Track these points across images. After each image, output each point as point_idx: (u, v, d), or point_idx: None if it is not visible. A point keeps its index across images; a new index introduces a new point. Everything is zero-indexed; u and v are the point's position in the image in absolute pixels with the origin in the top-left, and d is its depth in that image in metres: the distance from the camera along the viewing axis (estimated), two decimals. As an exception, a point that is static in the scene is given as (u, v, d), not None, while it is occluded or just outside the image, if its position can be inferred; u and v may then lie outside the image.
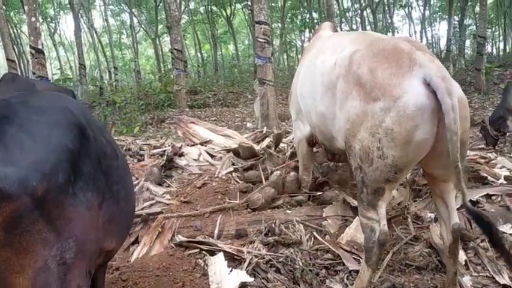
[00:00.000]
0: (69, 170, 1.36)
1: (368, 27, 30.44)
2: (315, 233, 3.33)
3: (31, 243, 1.21)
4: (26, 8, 9.57)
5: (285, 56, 31.21)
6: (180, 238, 3.27)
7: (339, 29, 26.51)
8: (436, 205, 2.69)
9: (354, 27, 31.08)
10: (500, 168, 4.29)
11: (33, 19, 9.03)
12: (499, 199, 3.56)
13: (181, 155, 4.83)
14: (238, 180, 4.32)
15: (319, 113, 2.94)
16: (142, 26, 33.64)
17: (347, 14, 29.25)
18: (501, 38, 32.98)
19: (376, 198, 2.41)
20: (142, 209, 3.86)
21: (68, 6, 20.34)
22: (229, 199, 3.87)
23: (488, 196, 3.63)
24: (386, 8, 29.75)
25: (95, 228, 1.52)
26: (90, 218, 1.46)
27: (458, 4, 25.26)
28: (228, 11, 30.07)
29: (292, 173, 3.96)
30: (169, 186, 4.34)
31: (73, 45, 30.17)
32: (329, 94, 2.73)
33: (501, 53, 30.03)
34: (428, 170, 2.58)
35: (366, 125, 2.31)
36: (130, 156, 5.02)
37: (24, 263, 1.19)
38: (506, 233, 3.22)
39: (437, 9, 34.25)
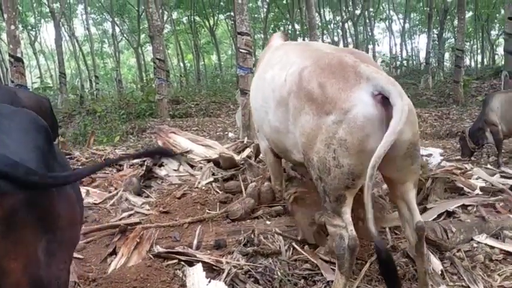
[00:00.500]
0: (47, 169, 1.48)
1: (349, 39, 30.86)
2: (293, 244, 3.33)
3: (26, 234, 1.34)
4: (5, 16, 9.46)
5: (267, 67, 31.29)
6: (158, 249, 3.24)
7: (320, 40, 26.84)
8: (398, 208, 2.74)
9: (336, 39, 31.49)
10: (476, 179, 4.37)
11: (12, 27, 8.93)
12: (475, 209, 3.62)
13: (161, 165, 4.80)
14: (218, 190, 4.31)
15: (273, 127, 3.02)
16: (125, 35, 33.52)
17: (329, 26, 29.58)
18: (479, 51, 33.74)
19: (339, 205, 2.49)
20: (120, 219, 3.82)
21: (49, 14, 20.15)
22: (209, 209, 3.86)
23: (464, 207, 3.69)
24: (367, 21, 30.17)
25: (77, 220, 1.68)
26: (71, 211, 1.59)
27: (438, 18, 25.81)
28: (211, 22, 30.21)
29: (266, 183, 3.98)
30: (148, 196, 4.31)
31: (54, 54, 29.91)
32: (281, 110, 2.82)
33: (479, 65, 30.68)
34: (386, 174, 2.66)
35: (320, 138, 2.41)
36: (110, 166, 4.98)
37: (19, 251, 1.33)
38: (481, 243, 3.26)
39: (417, 22, 34.92)
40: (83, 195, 4.25)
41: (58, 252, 1.48)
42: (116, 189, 4.41)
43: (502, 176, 4.58)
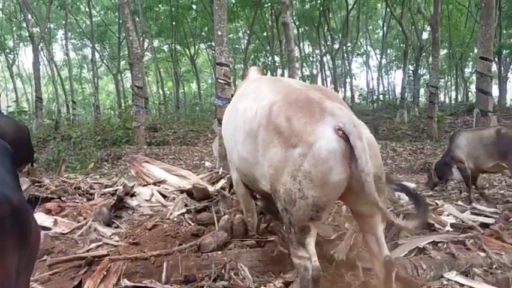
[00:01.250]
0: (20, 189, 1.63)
1: (328, 73, 31.43)
2: (266, 277, 3.27)
3: (9, 245, 1.40)
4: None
5: (246, 97, 31.49)
6: (125, 282, 3.15)
7: (300, 72, 27.25)
8: (366, 242, 2.77)
9: (315, 71, 32.03)
10: (447, 215, 4.41)
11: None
12: (445, 246, 3.63)
13: (132, 195, 4.71)
14: (190, 222, 4.24)
15: (241, 157, 3.09)
16: (104, 61, 33.46)
17: (308, 59, 30.12)
18: (453, 88, 34.72)
19: (304, 236, 2.54)
20: (88, 250, 3.72)
21: (28, 38, 20.02)
22: (180, 242, 3.79)
23: (434, 243, 3.71)
24: (345, 55, 30.82)
25: (39, 240, 1.76)
26: (37, 229, 1.65)
27: (413, 55, 26.53)
28: (192, 51, 30.41)
29: (238, 216, 3.94)
30: (118, 227, 4.21)
31: (31, 78, 29.57)
32: (251, 141, 2.88)
33: (453, 102, 31.51)
34: (353, 208, 2.74)
35: (287, 170, 2.48)
36: (80, 195, 4.86)
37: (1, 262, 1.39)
38: (451, 280, 3.27)
39: (393, 58, 35.84)
40: (51, 224, 4.15)
41: (24, 272, 1.54)
42: (85, 219, 4.30)
43: (472, 213, 4.63)
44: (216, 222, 4.14)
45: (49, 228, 4.07)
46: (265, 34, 27.85)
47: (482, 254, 3.57)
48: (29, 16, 21.71)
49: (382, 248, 2.64)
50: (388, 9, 25.76)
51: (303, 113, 2.52)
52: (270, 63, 27.82)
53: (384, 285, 2.65)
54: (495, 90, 25.47)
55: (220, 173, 5.82)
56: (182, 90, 33.69)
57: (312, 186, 2.39)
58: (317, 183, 2.38)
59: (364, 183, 2.29)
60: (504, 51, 26.64)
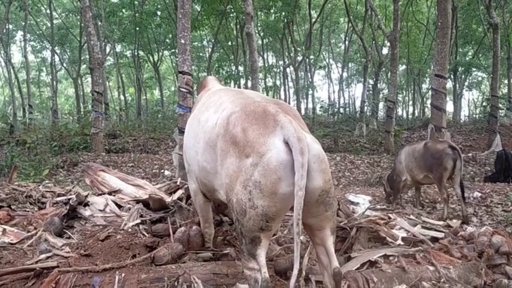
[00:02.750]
0: None
1: (291, 84, 31.78)
2: (219, 292, 3.25)
3: None
4: None
5: (209, 105, 31.45)
6: (74, 296, 3.06)
7: (263, 82, 27.42)
8: (317, 254, 2.84)
9: (278, 82, 32.32)
10: (399, 229, 4.52)
11: None
12: (396, 260, 3.71)
13: (86, 204, 4.59)
14: (145, 233, 4.16)
15: (201, 167, 3.15)
16: (64, 65, 32.70)
17: (272, 69, 30.38)
18: (410, 102, 35.79)
19: (255, 247, 2.57)
20: (37, 262, 3.58)
21: (-15, 39, 19.41)
22: (134, 254, 3.72)
23: (386, 256, 3.77)
24: (308, 67, 31.28)
25: None
26: None
27: (373, 69, 27.22)
28: (155, 57, 30.15)
29: (195, 227, 3.90)
30: (69, 237, 4.09)
31: (-14, 79, 28.58)
32: (210, 151, 2.96)
33: (410, 116, 32.46)
34: (303, 220, 2.70)
35: (240, 179, 2.54)
36: (31, 203, 4.70)
37: None
38: (401, 294, 3.34)
39: (354, 72, 36.66)
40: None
41: None
42: (35, 228, 4.16)
43: (423, 227, 4.75)
44: (171, 233, 4.08)
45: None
46: (229, 43, 27.94)
47: (431, 268, 3.66)
48: (-14, 16, 21.00)
49: (332, 260, 2.70)
50: (350, 24, 26.39)
51: (258, 125, 2.58)
52: (233, 72, 27.88)
53: None
54: (450, 107, 26.49)
55: (178, 183, 5.75)
56: (144, 97, 33.31)
57: (262, 196, 2.44)
58: (266, 193, 2.42)
59: (294, 199, 2.33)
60: (459, 69, 27.78)
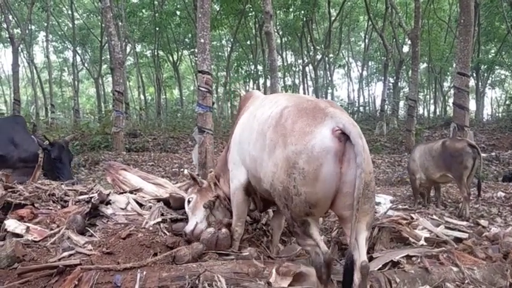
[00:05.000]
0: None
1: (310, 83, 31.62)
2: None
3: None
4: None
5: (228, 105, 31.63)
6: (97, 293, 3.09)
7: (282, 81, 27.34)
8: (350, 243, 2.85)
9: (297, 81, 32.20)
10: (422, 229, 4.45)
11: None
12: (419, 260, 3.66)
13: (108, 203, 4.62)
14: (166, 231, 4.19)
15: (251, 156, 3.30)
16: (86, 65, 33.13)
17: (291, 68, 30.29)
18: (432, 101, 35.30)
19: (306, 228, 2.79)
20: (60, 259, 3.63)
21: (8, 39, 19.69)
22: (155, 252, 3.73)
23: (408, 257, 3.72)
24: (327, 66, 31.09)
25: None
26: None
27: (393, 68, 26.90)
28: (175, 57, 30.33)
29: (224, 230, 3.90)
30: (92, 235, 4.12)
31: (10, 79, 29.11)
32: (260, 140, 3.10)
33: (431, 115, 32.00)
34: (338, 212, 2.83)
35: (285, 168, 2.71)
36: (54, 202, 4.76)
37: None
38: (424, 295, 3.29)
39: (374, 70, 36.29)
40: (23, 231, 4.05)
41: None
42: (58, 226, 4.20)
43: (446, 227, 4.68)
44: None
45: (21, 235, 3.99)
46: (248, 43, 27.94)
47: (455, 269, 3.60)
48: (10, 17, 21.39)
49: (361, 254, 2.79)
50: (370, 22, 26.13)
51: (307, 117, 2.76)
52: (252, 71, 27.88)
53: None
54: (472, 105, 26.02)
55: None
56: (164, 96, 33.54)
57: (305, 183, 2.60)
58: (309, 179, 2.58)
59: (356, 180, 2.47)
60: (482, 67, 27.27)
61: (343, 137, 2.57)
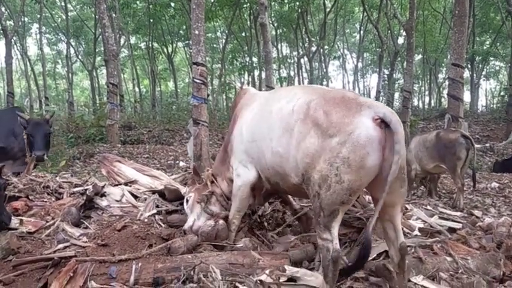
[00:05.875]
0: None
1: (305, 75, 31.57)
2: (236, 283, 3.25)
3: None
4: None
5: (223, 97, 31.56)
6: (92, 284, 3.09)
7: (277, 73, 27.29)
8: (384, 229, 3.13)
9: (292, 73, 32.15)
10: (416, 219, 4.48)
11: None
12: (413, 250, 3.68)
13: (102, 195, 4.61)
14: (161, 223, 4.19)
15: (275, 152, 3.31)
16: (79, 57, 32.92)
17: (286, 60, 30.21)
18: (427, 93, 35.34)
19: (331, 220, 2.84)
20: (55, 251, 3.63)
21: (1, 31, 19.51)
22: (150, 244, 3.74)
23: (402, 247, 3.75)
24: (322, 58, 31.03)
25: None
26: None
27: (388, 59, 26.89)
28: (169, 49, 30.16)
29: (221, 222, 3.91)
30: (87, 227, 4.12)
31: (3, 72, 28.88)
32: (286, 135, 3.15)
33: (426, 107, 32.05)
34: (376, 196, 2.98)
35: (324, 157, 2.79)
36: (48, 194, 4.75)
37: None
38: (418, 284, 3.31)
39: (369, 62, 36.25)
40: (16, 225, 4.04)
41: None
42: (53, 218, 4.20)
43: (440, 218, 4.71)
44: (188, 224, 4.11)
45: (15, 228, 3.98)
46: (243, 34, 27.82)
47: (449, 259, 3.63)
48: (3, 9, 21.19)
49: (399, 235, 3.00)
50: (365, 14, 26.07)
51: (340, 108, 2.83)
52: (247, 63, 27.80)
53: (398, 268, 3.05)
54: (467, 96, 26.12)
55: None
56: (159, 89, 33.41)
57: (349, 171, 2.69)
58: (354, 167, 2.68)
59: (393, 166, 2.62)
60: (477, 58, 27.31)
61: (383, 124, 2.69)
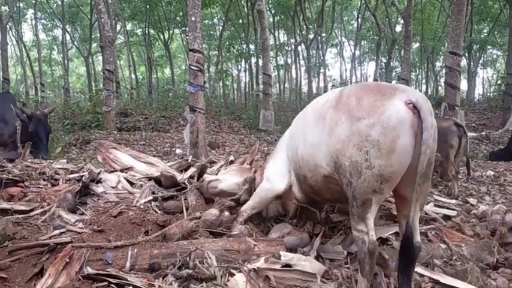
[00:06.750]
0: None
1: (302, 62, 31.45)
2: (231, 270, 3.26)
3: None
4: None
5: (220, 84, 31.45)
6: (88, 270, 3.09)
7: (274, 60, 27.14)
8: (400, 225, 3.01)
9: (289, 60, 32.02)
10: (411, 207, 4.49)
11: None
12: (408, 237, 3.70)
13: (98, 181, 4.62)
14: (157, 210, 4.20)
15: (308, 143, 3.28)
16: (75, 43, 32.67)
17: (283, 47, 30.06)
18: (424, 81, 35.32)
19: (365, 210, 2.74)
20: (51, 237, 3.63)
21: (-4, 17, 19.35)
22: (146, 230, 3.75)
23: (397, 234, 3.76)
24: (320, 45, 30.90)
25: None
26: None
27: (386, 47, 26.79)
28: (166, 35, 29.96)
29: (226, 213, 3.93)
30: (83, 214, 4.13)
31: (-2, 58, 28.65)
32: (319, 124, 3.10)
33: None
34: (400, 191, 2.88)
35: (353, 142, 2.69)
36: (44, 180, 4.74)
37: None
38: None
39: (366, 50, 36.12)
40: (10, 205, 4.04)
41: None
42: (49, 204, 4.20)
43: (435, 205, 4.73)
44: (184, 210, 4.12)
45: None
46: (240, 21, 27.64)
47: (443, 246, 3.66)
48: (-3, -6, 20.98)
49: (416, 235, 2.81)
50: (363, 1, 25.90)
51: (373, 93, 2.74)
52: (244, 50, 27.65)
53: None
54: (464, 85, 26.10)
55: (189, 160, 5.77)
56: (155, 76, 33.23)
57: (380, 155, 2.59)
58: (384, 151, 2.57)
59: (421, 156, 2.48)
60: (474, 46, 27.25)
61: (416, 110, 2.58)
